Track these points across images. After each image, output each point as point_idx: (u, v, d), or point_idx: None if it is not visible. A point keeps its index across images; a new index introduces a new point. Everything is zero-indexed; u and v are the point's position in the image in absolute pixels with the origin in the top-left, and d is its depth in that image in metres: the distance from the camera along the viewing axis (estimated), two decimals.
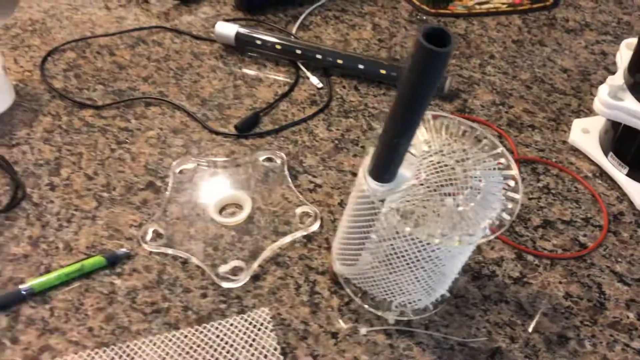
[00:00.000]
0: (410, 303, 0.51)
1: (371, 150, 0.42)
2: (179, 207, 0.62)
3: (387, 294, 0.51)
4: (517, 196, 0.44)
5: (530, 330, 0.52)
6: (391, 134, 0.39)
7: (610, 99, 0.60)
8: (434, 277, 0.47)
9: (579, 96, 0.76)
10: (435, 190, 0.44)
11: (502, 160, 0.46)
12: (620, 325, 0.53)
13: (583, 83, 0.78)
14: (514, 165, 0.45)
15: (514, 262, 0.57)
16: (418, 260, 0.45)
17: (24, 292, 0.55)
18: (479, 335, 0.52)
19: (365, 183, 0.43)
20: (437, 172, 0.45)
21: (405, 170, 0.43)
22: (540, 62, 0.82)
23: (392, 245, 0.45)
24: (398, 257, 0.46)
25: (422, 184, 0.44)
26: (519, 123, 0.72)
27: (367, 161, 0.43)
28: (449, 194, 0.44)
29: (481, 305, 0.54)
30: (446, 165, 0.45)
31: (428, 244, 0.43)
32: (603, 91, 0.60)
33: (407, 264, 0.45)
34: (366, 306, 0.53)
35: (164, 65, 0.80)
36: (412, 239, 0.43)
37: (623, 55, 0.63)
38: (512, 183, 0.44)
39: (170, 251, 0.58)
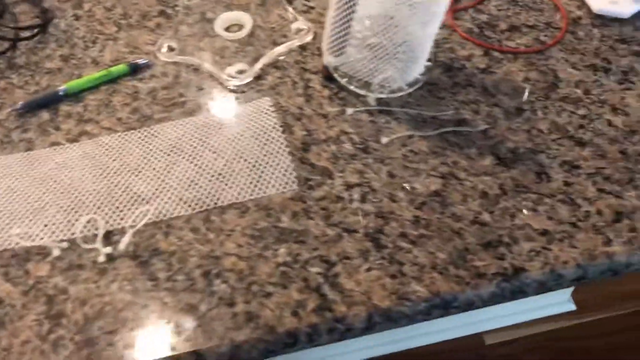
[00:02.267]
0: (387, 83, 0.61)
1: None
2: (189, 27, 0.71)
3: (368, 75, 0.60)
4: None
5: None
6: None
7: None
8: (407, 49, 0.56)
9: None
10: None
11: None
12: (569, 99, 0.62)
13: None
14: None
15: (482, 57, 0.66)
16: (390, 28, 0.53)
17: (61, 93, 0.65)
18: (447, 111, 0.61)
19: None
20: None
21: None
22: None
23: (371, 14, 0.54)
24: (377, 25, 0.54)
25: None
26: None
27: None
28: None
29: (451, 89, 0.63)
30: None
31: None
32: None
33: (382, 32, 0.54)
34: (352, 87, 0.62)
35: None
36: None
37: None
38: None
39: (183, 59, 0.67)
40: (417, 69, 0.61)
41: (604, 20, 0.69)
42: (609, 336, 1.24)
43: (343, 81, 0.62)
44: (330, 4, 0.58)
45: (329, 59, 0.62)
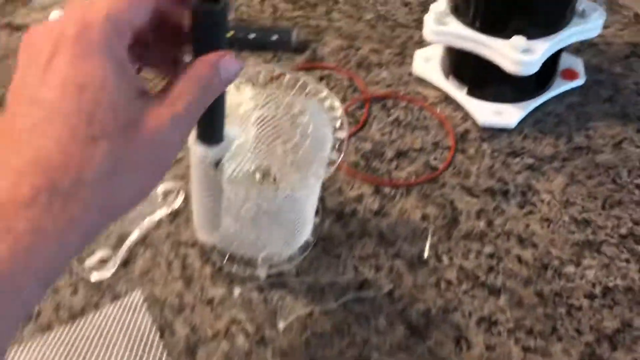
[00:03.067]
0: (274, 256, 0.53)
1: None
2: None
3: (249, 251, 0.52)
4: (343, 134, 0.46)
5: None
6: None
7: (436, 25, 0.62)
8: (287, 226, 0.49)
9: (421, 27, 0.79)
10: (265, 143, 0.45)
11: (328, 102, 0.47)
12: (473, 235, 0.57)
13: (423, 14, 0.81)
14: (339, 105, 0.47)
15: (373, 196, 0.60)
16: (263, 213, 0.46)
17: None
18: (346, 272, 0.54)
19: (196, 150, 0.43)
20: (265, 125, 0.45)
21: (233, 129, 0.44)
22: (382, 0, 0.84)
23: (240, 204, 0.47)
24: (245, 213, 0.47)
25: (251, 140, 0.45)
26: (367, 63, 0.74)
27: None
28: (280, 143, 0.45)
29: (347, 242, 0.56)
30: (273, 117, 0.46)
31: (274, 195, 0.44)
32: (429, 19, 0.63)
33: (253, 217, 0.47)
34: (234, 267, 0.54)
35: (4, 65, 0.76)
36: (248, 194, 0.44)
37: None
38: (338, 123, 0.46)
39: None
40: (306, 231, 0.54)
41: (492, 132, 0.65)
42: None
43: (224, 262, 0.54)
44: (193, 186, 0.50)
45: (202, 237, 0.54)
